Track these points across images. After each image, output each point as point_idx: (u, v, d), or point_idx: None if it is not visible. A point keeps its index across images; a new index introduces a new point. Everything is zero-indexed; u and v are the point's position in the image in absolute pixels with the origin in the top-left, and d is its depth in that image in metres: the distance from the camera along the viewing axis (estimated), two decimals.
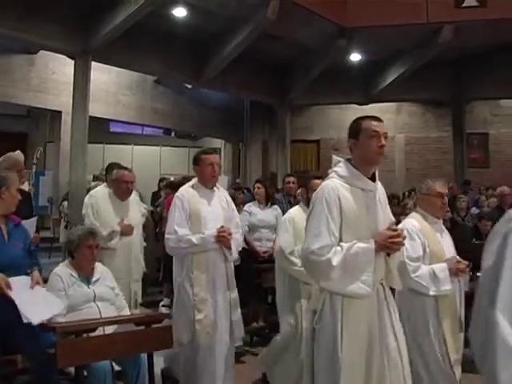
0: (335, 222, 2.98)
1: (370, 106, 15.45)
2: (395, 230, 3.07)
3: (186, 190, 4.54)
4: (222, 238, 4.39)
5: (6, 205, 3.79)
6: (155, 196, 10.41)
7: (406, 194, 11.95)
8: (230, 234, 4.43)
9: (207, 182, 4.57)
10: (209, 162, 4.50)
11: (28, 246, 3.91)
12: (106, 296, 4.21)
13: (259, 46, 11.93)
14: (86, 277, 4.20)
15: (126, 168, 5.75)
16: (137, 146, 17.07)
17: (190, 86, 14.20)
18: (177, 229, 4.34)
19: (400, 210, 9.21)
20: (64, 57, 11.33)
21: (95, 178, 10.45)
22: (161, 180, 10.88)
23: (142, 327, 3.83)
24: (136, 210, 5.71)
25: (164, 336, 3.85)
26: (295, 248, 4.61)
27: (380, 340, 2.95)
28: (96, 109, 12.11)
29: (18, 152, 8.34)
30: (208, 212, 4.48)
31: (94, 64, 10.68)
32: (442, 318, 3.98)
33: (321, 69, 13.20)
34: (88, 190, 9.91)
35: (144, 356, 3.81)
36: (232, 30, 11.35)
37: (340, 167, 3.19)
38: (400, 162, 16.72)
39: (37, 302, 3.59)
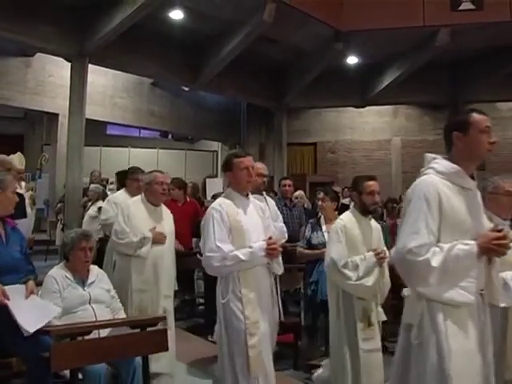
0: (434, 220, 2.75)
1: (367, 109, 15.52)
2: (500, 231, 2.79)
3: (222, 201, 4.00)
4: (272, 251, 3.88)
5: (2, 207, 3.77)
6: None
7: (403, 197, 11.96)
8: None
9: (243, 189, 4.06)
10: (243, 166, 3.99)
11: (24, 249, 3.90)
12: (101, 298, 4.19)
13: (256, 48, 11.96)
14: (81, 279, 4.18)
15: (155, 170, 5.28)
16: (134, 148, 17.06)
17: (186, 89, 14.22)
18: (220, 245, 3.78)
19: (396, 213, 9.21)
20: (61, 59, 11.35)
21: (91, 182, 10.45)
22: None
23: (137, 330, 3.81)
24: (169, 217, 5.19)
25: (159, 339, 3.83)
26: (349, 260, 4.32)
27: (484, 352, 2.77)
28: (93, 111, 12.10)
29: (17, 154, 8.35)
30: (248, 223, 3.97)
31: (90, 67, 10.70)
32: None
33: (317, 72, 13.22)
34: (84, 191, 9.94)
35: (139, 359, 3.80)
36: (229, 33, 11.38)
37: (437, 163, 3.07)
38: (397, 165, 16.74)
39: (32, 310, 3.57)
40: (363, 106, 15.17)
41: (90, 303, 4.09)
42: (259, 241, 3.88)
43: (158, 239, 4.90)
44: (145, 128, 16.43)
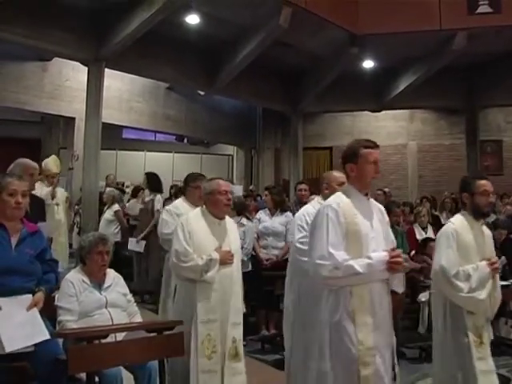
0: None
1: (383, 113, 15.46)
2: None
3: (339, 198, 3.40)
4: (396, 265, 3.24)
5: (1, 212, 3.72)
6: (167, 203, 10.42)
7: (418, 201, 11.89)
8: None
9: (366, 186, 3.51)
10: (372, 159, 3.43)
11: (41, 254, 3.88)
12: (117, 302, 4.20)
13: (271, 53, 11.96)
14: (98, 283, 4.20)
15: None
16: (149, 152, 17.10)
17: (202, 93, 14.24)
18: (333, 252, 3.16)
19: (413, 218, 9.16)
20: (77, 64, 11.40)
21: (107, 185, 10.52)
22: (172, 187, 10.91)
23: (154, 334, 3.82)
24: (235, 232, 4.55)
25: (176, 343, 3.84)
26: (460, 269, 3.87)
27: None
28: (109, 115, 12.16)
29: (52, 157, 8.35)
30: (368, 227, 3.35)
31: (107, 71, 10.75)
32: None
33: (333, 76, 13.19)
34: (100, 195, 9.98)
35: (155, 363, 3.80)
36: (245, 38, 11.39)
37: None
38: (413, 170, 16.65)
39: (21, 328, 3.51)
40: (379, 111, 15.11)
41: (106, 307, 4.11)
42: (379, 251, 3.29)
43: (226, 259, 4.22)
44: (160, 132, 16.47)
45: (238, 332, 4.23)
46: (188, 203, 5.38)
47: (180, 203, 5.44)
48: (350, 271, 3.14)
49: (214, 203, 4.33)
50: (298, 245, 4.51)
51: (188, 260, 4.11)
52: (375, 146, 3.50)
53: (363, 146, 3.45)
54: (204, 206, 4.41)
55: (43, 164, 8.04)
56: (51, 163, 8.04)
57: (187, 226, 4.23)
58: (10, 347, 3.41)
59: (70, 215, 8.20)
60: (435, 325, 4.10)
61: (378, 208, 3.56)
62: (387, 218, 3.62)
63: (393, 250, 3.29)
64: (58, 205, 7.93)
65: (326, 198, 4.36)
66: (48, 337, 3.61)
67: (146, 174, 9.31)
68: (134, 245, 8.75)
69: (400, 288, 3.56)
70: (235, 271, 4.32)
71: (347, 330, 3.19)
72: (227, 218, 4.47)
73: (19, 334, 3.49)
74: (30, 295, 3.65)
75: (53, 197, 7.74)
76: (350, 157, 3.46)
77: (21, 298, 3.61)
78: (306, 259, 3.99)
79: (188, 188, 5.52)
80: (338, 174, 4.61)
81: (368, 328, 3.19)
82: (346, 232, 3.26)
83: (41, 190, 7.41)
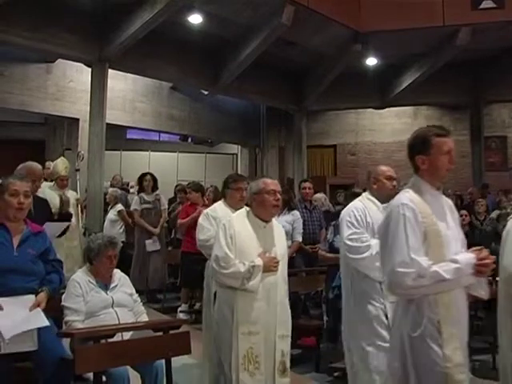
0: None
1: (387, 110, 15.44)
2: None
3: (411, 195, 2.99)
4: (484, 268, 2.83)
5: (3, 212, 3.75)
6: (172, 202, 10.44)
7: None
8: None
9: (439, 180, 3.12)
10: (447, 149, 3.05)
11: (44, 254, 3.89)
12: (123, 302, 4.22)
13: (275, 51, 11.96)
14: (104, 283, 4.21)
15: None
16: (154, 152, 17.12)
17: (206, 93, 14.25)
18: (415, 257, 2.76)
19: None
20: (81, 65, 11.43)
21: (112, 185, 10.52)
22: (176, 186, 10.93)
23: (160, 333, 3.82)
24: (282, 236, 4.17)
25: (182, 342, 3.84)
26: None
27: None
28: (113, 116, 12.18)
29: (61, 159, 8.17)
30: (445, 227, 2.96)
31: (110, 72, 10.77)
32: None
33: (336, 74, 13.18)
34: (104, 196, 9.96)
35: (162, 362, 3.81)
36: (247, 37, 11.38)
37: None
38: None
39: (22, 323, 3.53)
40: (383, 108, 15.08)
41: (112, 307, 4.13)
42: (459, 253, 2.89)
43: (270, 266, 3.85)
44: (164, 132, 16.47)
45: (286, 345, 3.90)
46: (228, 206, 4.99)
47: (219, 206, 5.07)
48: (437, 278, 2.74)
49: (261, 204, 3.95)
50: (348, 242, 4.27)
51: (229, 266, 3.75)
52: (448, 133, 3.13)
53: (435, 135, 3.07)
54: (249, 207, 4.04)
55: (52, 166, 7.94)
56: (60, 166, 7.82)
57: (229, 228, 3.85)
58: (8, 334, 3.42)
59: (81, 218, 8.01)
60: (504, 329, 3.47)
61: (449, 204, 3.16)
62: (457, 215, 3.22)
63: (479, 250, 2.87)
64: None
65: (374, 193, 4.48)
66: (47, 323, 3.63)
67: (150, 174, 9.24)
68: (152, 245, 8.76)
69: (484, 294, 2.97)
70: (280, 279, 3.94)
71: (433, 345, 2.77)
72: (273, 220, 4.10)
73: (18, 326, 3.50)
74: (33, 295, 3.67)
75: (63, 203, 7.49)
76: (419, 148, 3.08)
77: (23, 298, 3.63)
78: (356, 257, 4.20)
79: (228, 190, 5.10)
80: (385, 168, 4.57)
81: (455, 342, 2.80)
82: (425, 233, 2.85)
83: (52, 195, 7.31)
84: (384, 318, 4.10)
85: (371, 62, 13.40)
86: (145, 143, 17.17)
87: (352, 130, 17.07)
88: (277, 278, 3.89)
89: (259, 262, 3.79)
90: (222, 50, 12.02)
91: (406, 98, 14.14)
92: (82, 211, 7.95)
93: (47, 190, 7.39)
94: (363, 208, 4.36)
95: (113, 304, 4.13)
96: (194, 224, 7.80)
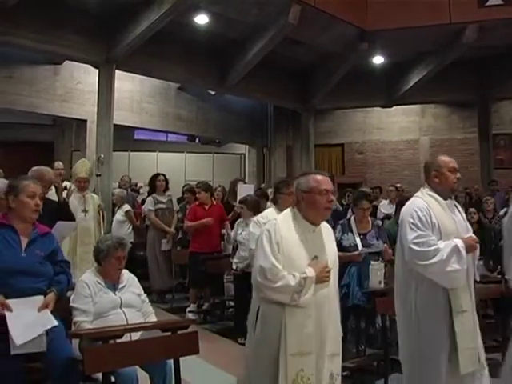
0: None
1: (394, 108, 15.42)
2: None
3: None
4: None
5: (17, 213, 3.78)
6: (180, 203, 10.46)
7: None
8: None
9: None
10: None
11: (52, 256, 3.91)
12: (132, 302, 4.23)
13: (281, 51, 11.96)
14: (113, 284, 4.23)
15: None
16: (161, 153, 17.16)
17: (213, 93, 14.27)
18: None
19: None
20: (88, 66, 11.48)
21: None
22: (184, 186, 10.94)
23: (169, 333, 3.84)
24: (332, 240, 3.57)
25: (190, 342, 3.85)
26: None
27: None
28: (120, 117, 12.22)
29: (81, 160, 7.85)
30: None
31: (117, 73, 10.80)
32: None
33: (343, 72, 13.16)
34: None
35: (170, 362, 3.82)
36: (254, 36, 11.39)
37: None
38: None
39: (31, 326, 3.55)
40: (390, 106, 15.05)
41: (121, 307, 4.14)
42: None
43: (322, 276, 3.28)
44: (172, 132, 16.51)
45: (336, 365, 3.37)
46: (280, 212, 4.47)
47: (271, 213, 4.62)
48: None
49: (311, 205, 3.34)
50: (414, 246, 3.81)
51: (277, 279, 3.16)
52: None
53: None
54: (296, 208, 3.41)
55: (73, 168, 7.76)
56: (79, 168, 7.53)
57: (275, 234, 3.26)
58: (20, 340, 3.45)
59: (103, 225, 7.44)
60: None
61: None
62: None
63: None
64: (86, 211, 7.26)
65: (435, 188, 4.04)
66: (55, 323, 3.65)
67: (163, 175, 9.22)
68: (166, 245, 8.80)
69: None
70: (333, 290, 3.40)
71: None
72: (324, 223, 3.50)
73: (29, 330, 3.52)
74: (41, 296, 3.70)
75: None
76: None
77: (32, 299, 3.65)
78: (424, 263, 3.76)
79: (280, 195, 4.73)
80: (447, 158, 4.16)
81: None
82: None
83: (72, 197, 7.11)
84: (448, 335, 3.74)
85: (378, 60, 13.38)
86: (152, 144, 17.22)
87: (359, 129, 17.04)
88: (329, 290, 3.34)
89: (311, 272, 3.21)
90: (229, 49, 12.03)
91: (413, 96, 14.10)
92: (103, 218, 7.46)
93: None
94: (426, 207, 3.92)
95: (121, 304, 4.15)
96: (201, 227, 7.87)
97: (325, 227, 3.48)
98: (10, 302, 3.54)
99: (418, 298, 3.85)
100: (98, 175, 8.43)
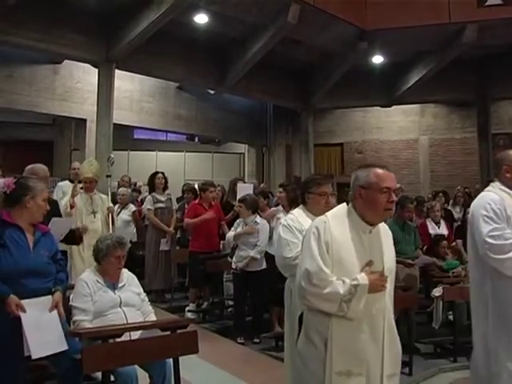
0: None
1: (394, 108, 15.42)
2: None
3: None
4: None
5: (30, 214, 3.78)
6: (179, 202, 10.44)
7: (431, 196, 11.84)
8: None
9: None
10: None
11: (54, 255, 3.93)
12: (131, 302, 4.23)
13: (281, 50, 11.97)
14: (112, 283, 4.23)
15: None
16: (161, 152, 17.18)
17: (212, 92, 14.27)
18: None
19: (425, 212, 9.12)
20: (88, 66, 11.49)
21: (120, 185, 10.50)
22: (184, 185, 10.92)
23: (168, 332, 3.84)
24: (390, 243, 3.05)
25: (190, 341, 3.85)
26: None
27: None
28: (120, 116, 12.24)
29: (88, 160, 7.71)
30: None
31: (117, 72, 10.81)
32: None
33: (343, 72, 13.17)
34: (113, 196, 9.91)
35: (170, 361, 3.82)
36: (253, 36, 11.39)
37: None
38: (424, 164, 16.60)
39: (45, 332, 3.57)
40: (389, 106, 15.05)
41: (120, 306, 4.14)
42: None
43: (377, 285, 2.80)
44: (171, 132, 16.53)
45: None
46: (307, 213, 4.16)
47: (299, 215, 4.17)
48: None
49: (370, 203, 2.85)
50: (489, 239, 3.60)
51: (324, 285, 2.74)
52: None
53: None
54: (351, 205, 2.96)
55: (79, 168, 7.53)
56: (85, 167, 7.27)
57: (325, 233, 2.81)
58: (36, 355, 3.45)
59: (112, 227, 7.05)
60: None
61: None
62: None
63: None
64: (95, 213, 7.00)
65: (507, 183, 3.84)
66: (66, 347, 3.64)
67: (162, 173, 9.17)
68: (165, 245, 8.76)
69: None
70: (388, 301, 2.91)
71: None
72: (382, 223, 3.02)
73: (44, 342, 3.52)
74: (50, 296, 3.70)
75: (71, 206, 6.84)
76: None
77: (42, 299, 3.64)
78: (500, 257, 3.58)
79: (309, 195, 4.22)
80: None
81: None
82: None
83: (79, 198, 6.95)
84: None
85: (377, 59, 13.39)
86: (152, 143, 17.23)
87: (359, 128, 17.05)
88: (385, 300, 2.87)
89: (364, 280, 2.75)
90: (229, 49, 12.04)
91: (412, 95, 14.11)
92: (113, 222, 7.07)
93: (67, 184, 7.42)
94: (500, 200, 3.71)
95: (120, 303, 4.15)
96: (201, 226, 7.86)
97: (383, 228, 3.00)
98: (23, 302, 3.55)
99: (495, 301, 3.66)
100: (108, 176, 7.82)
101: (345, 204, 2.99)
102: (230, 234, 7.09)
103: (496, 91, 14.07)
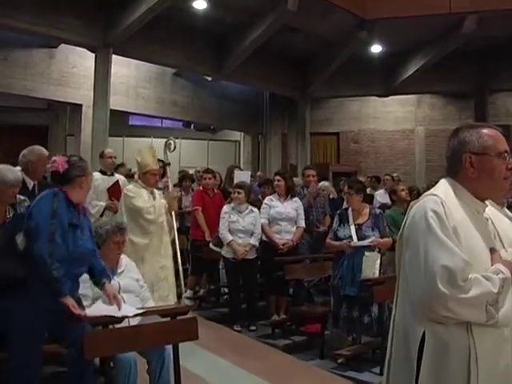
0: None
1: (391, 98, 15.40)
2: None
3: None
4: None
5: (82, 194, 3.80)
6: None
7: (426, 186, 11.83)
8: None
9: None
10: None
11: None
12: (130, 288, 4.22)
13: (279, 38, 11.92)
14: (111, 269, 4.20)
15: None
16: (156, 138, 17.06)
17: (209, 79, 14.20)
18: None
19: None
20: (84, 50, 11.38)
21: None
22: (180, 172, 10.88)
23: (167, 319, 3.82)
24: (509, 223, 2.47)
25: (189, 327, 3.84)
26: None
27: None
28: (116, 102, 12.14)
29: (146, 148, 6.02)
30: None
31: (114, 57, 10.73)
32: None
33: (341, 61, 13.15)
34: None
35: (169, 348, 3.81)
36: (252, 23, 11.34)
37: None
38: (420, 155, 16.61)
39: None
40: (386, 96, 15.05)
41: (119, 292, 4.11)
42: None
43: None
44: (167, 118, 16.45)
45: None
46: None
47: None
48: None
49: (487, 174, 2.21)
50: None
51: (469, 286, 1.98)
52: None
53: None
54: (450, 179, 2.32)
55: (138, 159, 5.91)
56: (149, 157, 5.86)
57: (446, 216, 2.08)
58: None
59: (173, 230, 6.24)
60: None
61: None
62: None
63: None
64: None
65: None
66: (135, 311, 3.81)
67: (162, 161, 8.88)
68: None
69: None
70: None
71: None
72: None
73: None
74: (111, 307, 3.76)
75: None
76: None
77: (102, 305, 3.81)
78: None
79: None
80: None
81: None
82: None
83: (143, 196, 5.75)
84: None
85: (376, 49, 13.36)
86: (148, 129, 17.14)
87: (355, 118, 17.03)
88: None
89: (505, 271, 2.06)
90: (227, 35, 11.98)
91: (410, 86, 14.10)
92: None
93: (133, 189, 5.80)
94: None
95: (120, 289, 4.13)
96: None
97: (491, 209, 2.36)
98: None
99: None
100: (167, 164, 6.79)
101: (444, 180, 2.34)
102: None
103: (494, 83, 14.09)
